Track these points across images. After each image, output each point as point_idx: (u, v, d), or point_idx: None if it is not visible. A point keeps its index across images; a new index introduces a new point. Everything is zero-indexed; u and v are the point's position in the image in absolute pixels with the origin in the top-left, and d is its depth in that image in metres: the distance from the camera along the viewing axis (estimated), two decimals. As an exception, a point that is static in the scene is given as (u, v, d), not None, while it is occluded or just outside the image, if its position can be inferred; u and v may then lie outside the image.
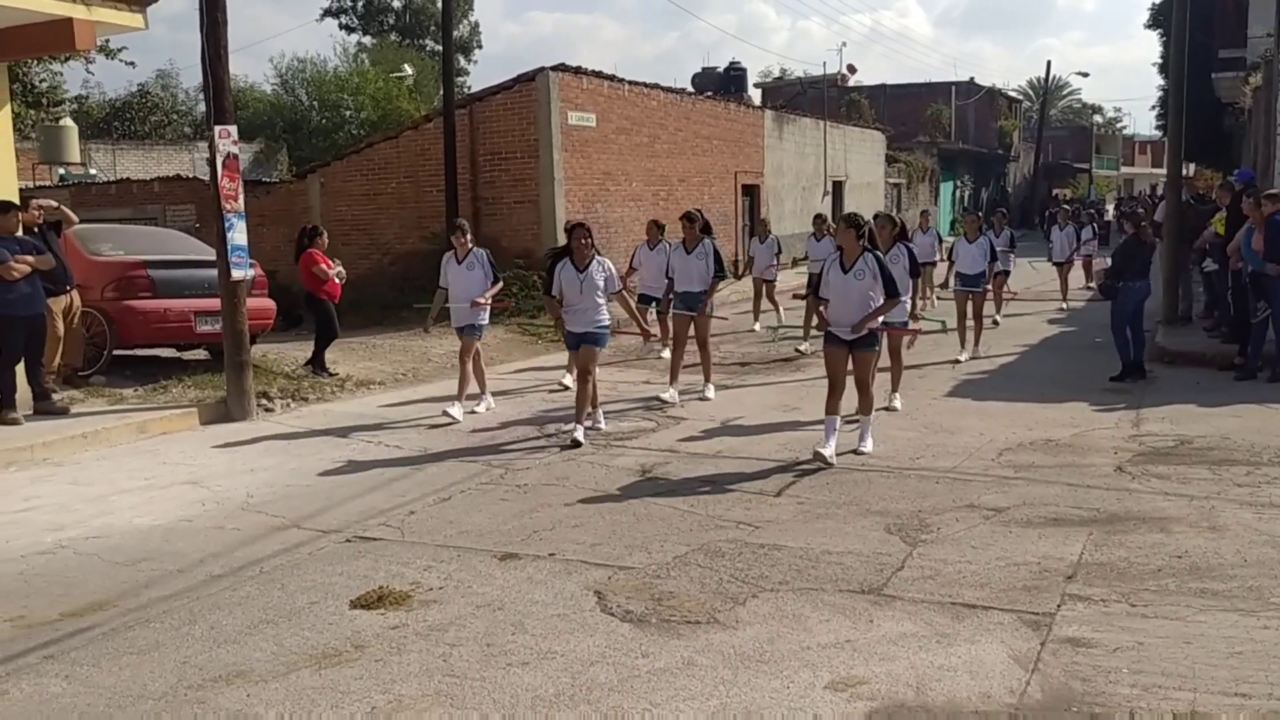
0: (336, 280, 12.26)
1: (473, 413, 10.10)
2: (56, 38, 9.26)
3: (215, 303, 10.66)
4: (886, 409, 9.64)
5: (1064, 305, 18.94)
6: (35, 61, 18.86)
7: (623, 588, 5.41)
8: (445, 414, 9.68)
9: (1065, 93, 77.18)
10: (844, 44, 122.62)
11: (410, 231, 19.02)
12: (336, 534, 6.47)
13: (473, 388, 10.17)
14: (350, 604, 5.28)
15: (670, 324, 11.41)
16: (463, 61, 46.34)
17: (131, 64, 21.34)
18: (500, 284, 10.57)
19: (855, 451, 8.09)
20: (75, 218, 11.21)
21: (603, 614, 5.08)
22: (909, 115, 46.87)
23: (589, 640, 4.76)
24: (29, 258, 9.47)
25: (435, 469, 8.13)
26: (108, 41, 13.37)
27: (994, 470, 7.65)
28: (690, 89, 28.33)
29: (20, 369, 9.53)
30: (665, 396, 10.35)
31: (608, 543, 6.16)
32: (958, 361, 12.78)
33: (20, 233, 9.65)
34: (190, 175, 23.63)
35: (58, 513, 7.05)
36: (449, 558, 5.98)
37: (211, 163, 10.18)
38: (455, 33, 21.82)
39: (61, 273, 10.26)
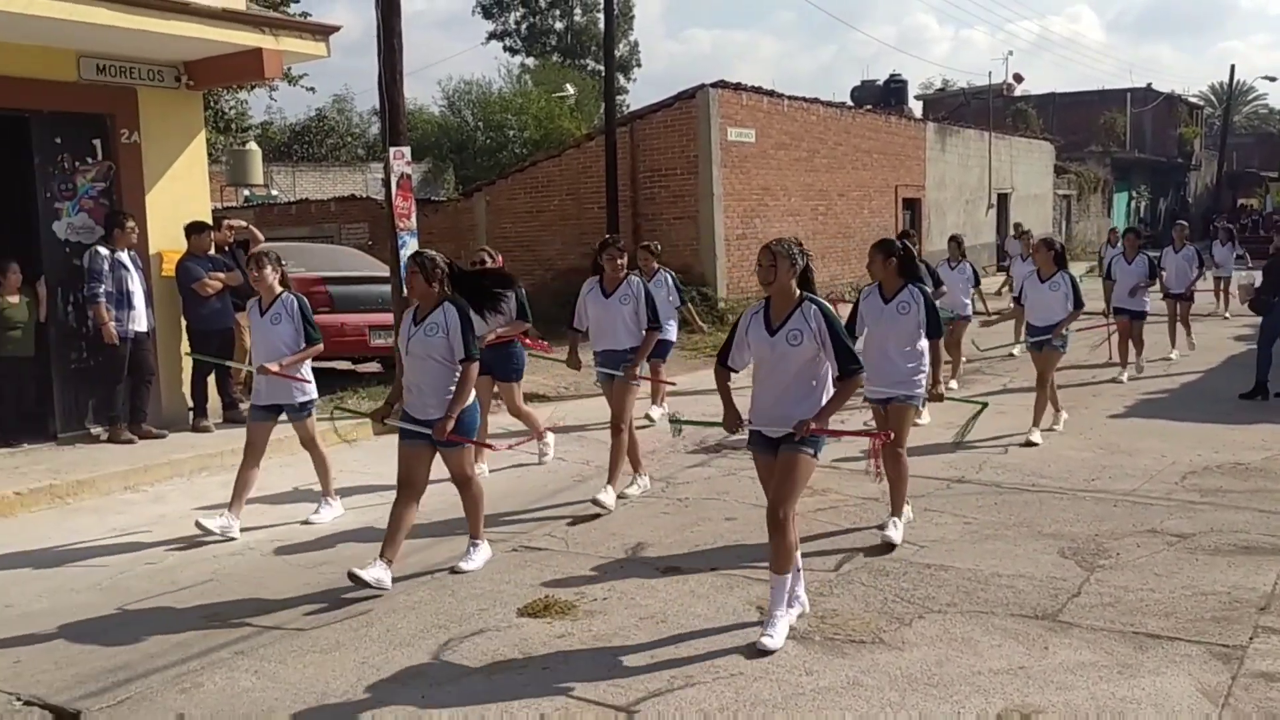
0: None
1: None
2: (247, 67, 9.82)
3: (388, 317, 11.10)
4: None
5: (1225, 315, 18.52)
6: (225, 90, 20.03)
7: (785, 604, 5.36)
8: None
9: (1251, 98, 73.01)
10: (1010, 52, 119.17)
11: (572, 248, 19.37)
12: (503, 544, 6.62)
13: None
14: (517, 612, 5.40)
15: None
16: (623, 80, 46.99)
17: (311, 90, 22.54)
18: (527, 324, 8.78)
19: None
20: (262, 236, 11.83)
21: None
22: (1080, 124, 45.22)
23: (753, 655, 4.74)
24: (221, 275, 10.06)
25: (598, 482, 8.22)
26: (290, 69, 14.09)
27: (1177, 494, 7.28)
28: (849, 102, 28.02)
29: (211, 379, 10.12)
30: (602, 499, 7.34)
31: (768, 558, 6.11)
32: (1118, 381, 12.17)
33: (212, 251, 10.26)
34: (364, 195, 24.73)
35: (245, 516, 7.44)
36: (612, 569, 6.05)
37: (386, 183, 10.61)
38: (616, 52, 22.16)
39: (248, 289, 10.83)
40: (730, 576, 5.82)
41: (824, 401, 4.93)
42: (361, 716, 4.29)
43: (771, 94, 19.94)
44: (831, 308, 5.06)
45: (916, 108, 37.09)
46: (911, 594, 5.45)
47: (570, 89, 36.07)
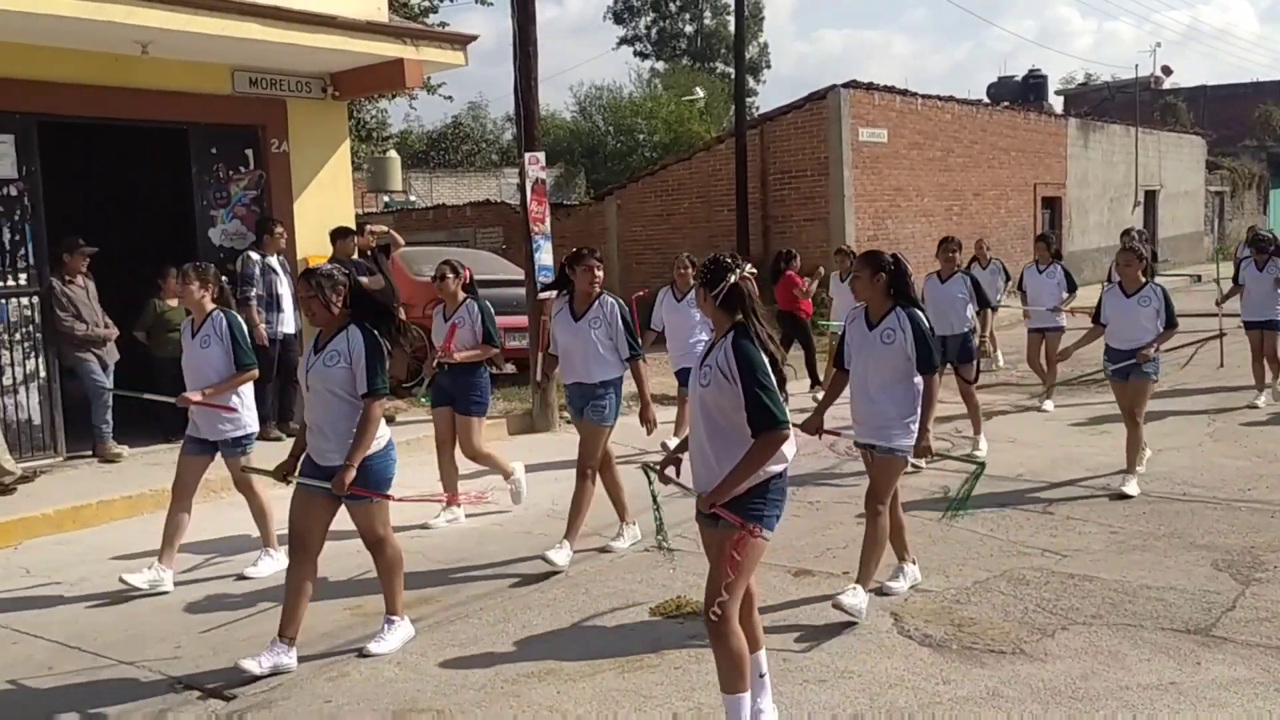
0: (809, 298, 12.71)
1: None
2: (389, 77, 10.16)
3: (523, 320, 11.31)
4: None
5: None
6: (367, 100, 20.70)
7: (920, 611, 5.28)
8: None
9: None
10: (1158, 44, 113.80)
11: (701, 250, 19.24)
12: (636, 544, 6.67)
13: None
14: (650, 611, 5.45)
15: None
16: (752, 82, 46.82)
17: (449, 98, 23.08)
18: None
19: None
20: (402, 241, 12.22)
21: (900, 636, 4.99)
22: (1233, 118, 43.12)
23: (886, 662, 4.69)
24: (363, 279, 10.40)
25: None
26: (429, 78, 14.50)
27: (1341, 506, 6.89)
28: (986, 100, 27.34)
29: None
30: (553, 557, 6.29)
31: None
32: (1254, 406, 10.43)
33: (355, 255, 10.62)
34: (498, 200, 25.22)
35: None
36: (743, 571, 6.03)
37: (521, 188, 10.82)
38: (746, 54, 22.12)
39: (390, 292, 11.19)
40: (864, 582, 5.75)
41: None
42: (499, 710, 4.39)
43: (904, 93, 19.61)
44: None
45: (1057, 103, 35.95)
46: (1054, 604, 5.29)
47: (700, 92, 36.09)
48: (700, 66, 45.88)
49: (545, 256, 10.74)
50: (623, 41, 49.32)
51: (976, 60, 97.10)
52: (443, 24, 20.36)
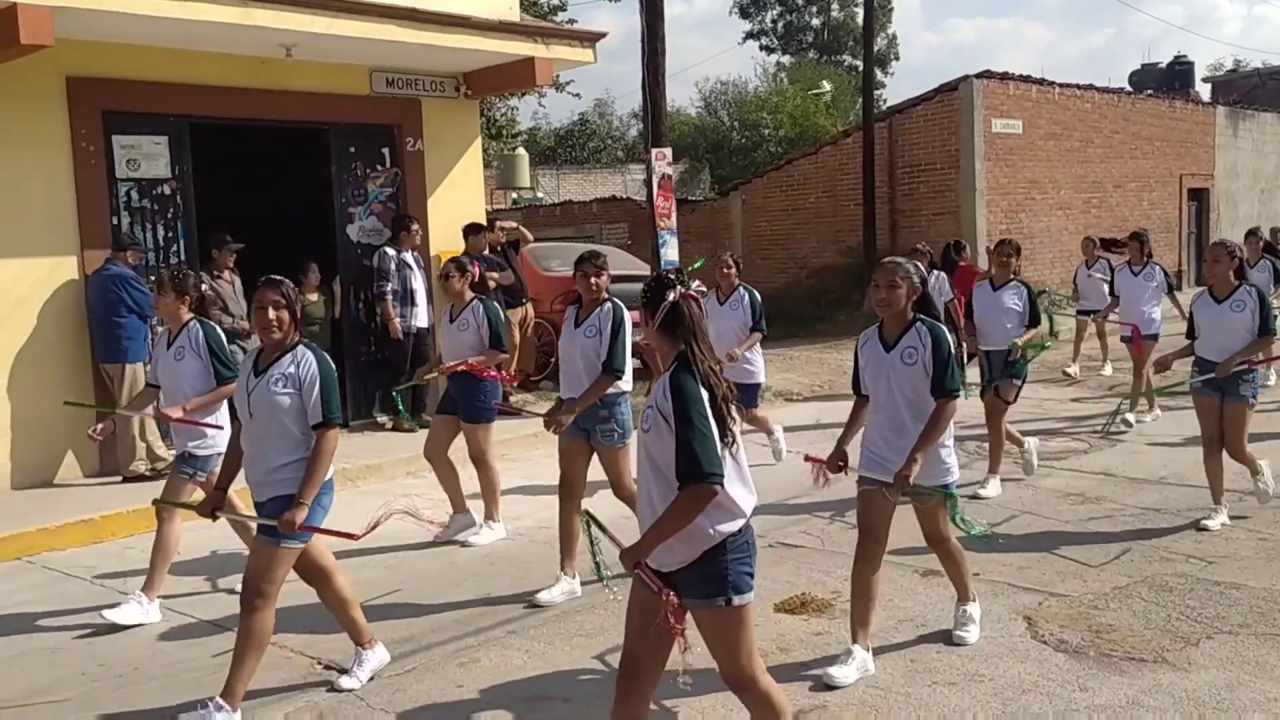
0: None
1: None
2: (520, 76, 10.34)
3: (648, 315, 11.36)
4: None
5: None
6: (497, 99, 21.09)
7: (1055, 615, 5.14)
8: None
9: None
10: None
11: (827, 246, 19.22)
12: (759, 539, 6.63)
13: None
14: (774, 608, 5.43)
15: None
16: (880, 75, 46.07)
17: (577, 95, 23.35)
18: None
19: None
20: (531, 237, 12.42)
21: (1034, 641, 4.86)
22: (1400, 103, 40.53)
23: (1019, 667, 4.58)
24: (494, 274, 10.63)
25: (852, 482, 8.13)
26: (558, 76, 14.68)
27: None
28: (1128, 88, 26.34)
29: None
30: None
31: (1037, 567, 5.88)
32: None
33: (486, 251, 10.85)
34: (623, 196, 25.42)
35: (514, 504, 7.83)
36: (870, 570, 5.96)
37: (648, 183, 10.90)
38: (874, 46, 21.79)
39: (519, 287, 11.41)
40: (994, 583, 5.63)
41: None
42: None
43: (1041, 82, 19.03)
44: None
45: (1204, 91, 34.39)
46: (1199, 612, 5.08)
47: (826, 86, 35.73)
48: (827, 60, 45.38)
49: (671, 252, 10.80)
50: (749, 36, 49.08)
51: (1117, 47, 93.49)
52: (571, 21, 20.62)
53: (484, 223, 11.02)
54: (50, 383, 8.20)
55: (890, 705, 4.27)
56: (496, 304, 7.18)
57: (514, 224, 12.21)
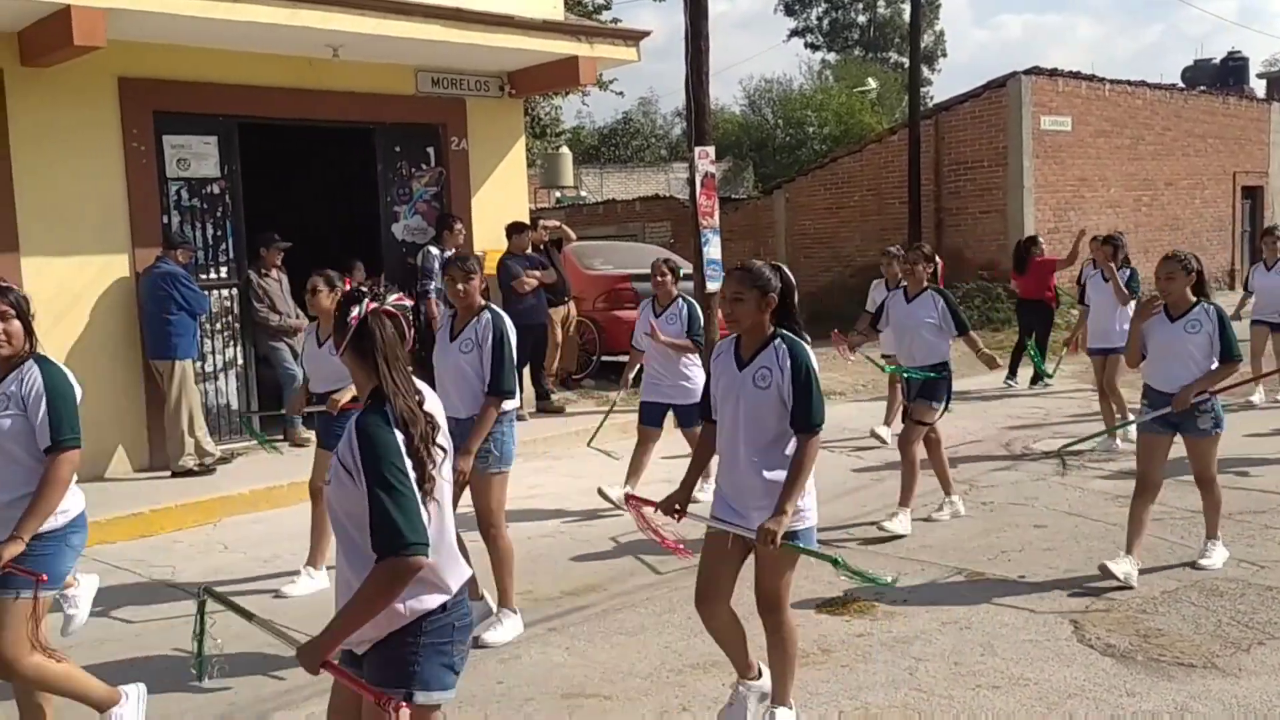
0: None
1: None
2: (564, 75, 10.36)
3: (690, 313, 11.34)
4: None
5: None
6: (541, 98, 21.16)
7: (1102, 619, 5.07)
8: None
9: None
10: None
11: (871, 244, 19.06)
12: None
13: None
14: (816, 608, 5.41)
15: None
16: (927, 72, 45.71)
17: (620, 94, 23.39)
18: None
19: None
20: (573, 236, 12.45)
21: (1080, 645, 4.80)
22: None
23: (1065, 671, 4.52)
24: (536, 273, 10.67)
25: (896, 482, 8.06)
26: (601, 75, 14.71)
27: None
28: (1180, 84, 25.92)
29: (526, 371, 10.75)
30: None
31: (1083, 569, 5.79)
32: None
33: (529, 250, 10.89)
34: (666, 194, 25.40)
35: (557, 500, 7.86)
36: (912, 571, 5.93)
37: (691, 181, 10.86)
38: (921, 43, 21.61)
39: (561, 285, 11.45)
40: (1040, 586, 5.56)
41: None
42: (665, 700, 4.44)
43: (1091, 78, 18.78)
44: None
45: (1259, 87, 33.74)
46: (1250, 618, 4.99)
47: (872, 83, 35.48)
48: (873, 57, 45.12)
49: (714, 250, 10.76)
50: (793, 33, 48.93)
51: (1169, 43, 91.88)
52: (615, 20, 20.63)
53: (527, 221, 11.05)
54: (102, 378, 8.33)
55: (933, 708, 4.23)
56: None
57: (557, 223, 12.25)
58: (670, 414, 7.51)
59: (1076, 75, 18.53)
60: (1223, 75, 31.33)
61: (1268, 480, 7.56)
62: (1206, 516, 5.90)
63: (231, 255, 9.40)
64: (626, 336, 12.49)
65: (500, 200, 10.87)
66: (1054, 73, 17.99)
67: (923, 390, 6.76)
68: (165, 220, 8.91)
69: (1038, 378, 12.11)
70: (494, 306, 5.30)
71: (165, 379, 8.52)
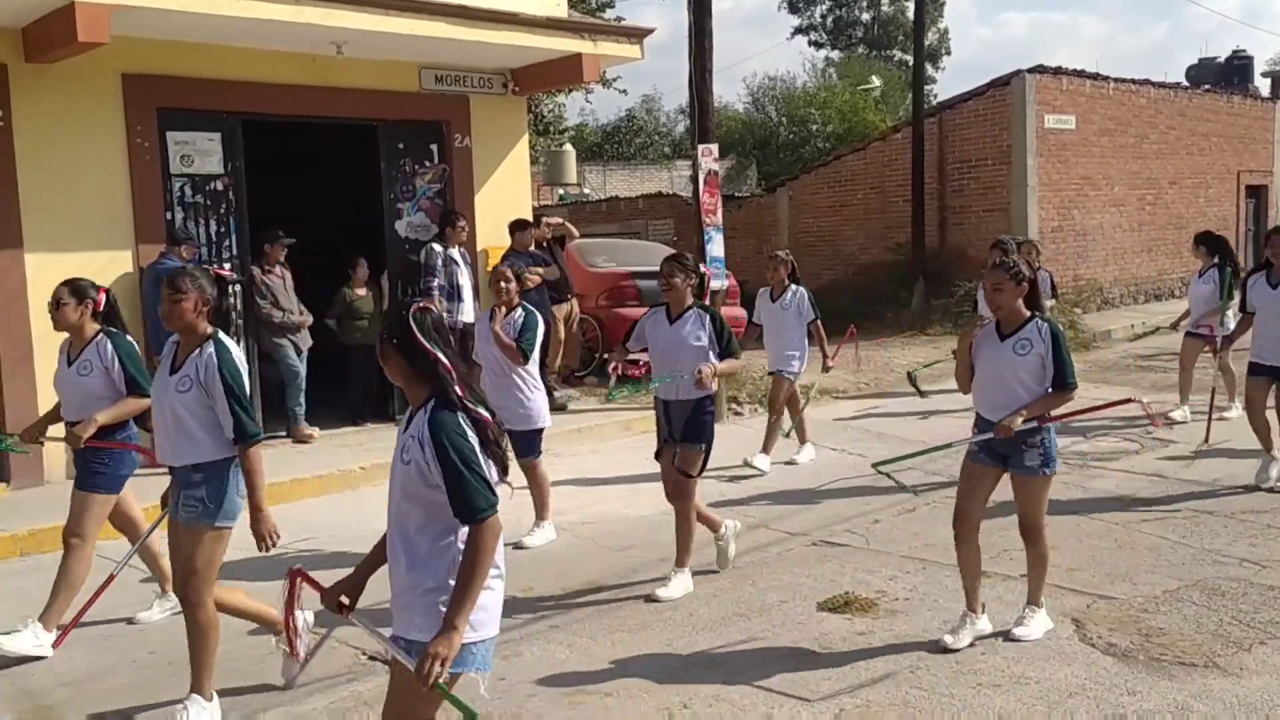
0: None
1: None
2: (567, 72, 10.36)
3: (693, 311, 11.34)
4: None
5: None
6: (544, 95, 21.15)
7: (1104, 618, 5.07)
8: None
9: None
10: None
11: (874, 242, 19.08)
12: (803, 537, 6.64)
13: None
14: (817, 606, 5.41)
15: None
16: (931, 70, 45.64)
17: (624, 92, 23.27)
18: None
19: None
20: (576, 233, 12.45)
21: (1081, 644, 4.80)
22: None
23: (1066, 670, 4.52)
24: (539, 270, 10.67)
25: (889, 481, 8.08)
26: (604, 72, 14.70)
27: None
28: (1184, 83, 25.88)
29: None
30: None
31: (1086, 569, 5.80)
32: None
33: (532, 247, 10.89)
34: (670, 192, 25.38)
35: (559, 499, 7.84)
36: (914, 569, 5.94)
37: (694, 179, 10.87)
38: (925, 41, 21.60)
39: (564, 283, 11.45)
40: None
41: None
42: (666, 697, 4.44)
43: (1095, 77, 18.75)
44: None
45: (1264, 85, 33.68)
46: (1252, 617, 4.99)
47: (876, 81, 35.40)
48: (877, 55, 45.03)
49: (716, 248, 10.76)
50: (797, 31, 48.83)
51: (1174, 41, 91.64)
52: (619, 18, 20.62)
53: (530, 219, 11.05)
54: (105, 375, 8.33)
55: (934, 706, 4.24)
56: (130, 338, 5.38)
57: (560, 220, 12.24)
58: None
59: (1081, 74, 18.50)
60: (1227, 74, 31.19)
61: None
62: (1030, 576, 4.98)
63: (234, 251, 9.40)
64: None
65: (503, 197, 10.87)
66: (1058, 71, 17.96)
67: (692, 431, 5.69)
68: (169, 216, 8.92)
69: None
70: (221, 335, 4.46)
71: (168, 375, 8.52)
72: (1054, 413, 4.85)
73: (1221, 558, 5.88)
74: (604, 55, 10.21)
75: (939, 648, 4.76)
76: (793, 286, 8.72)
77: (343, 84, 9.67)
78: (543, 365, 10.87)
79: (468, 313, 10.29)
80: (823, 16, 48.47)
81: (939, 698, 4.31)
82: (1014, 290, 4.83)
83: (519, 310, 6.69)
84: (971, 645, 4.78)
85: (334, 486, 8.29)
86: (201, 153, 9.14)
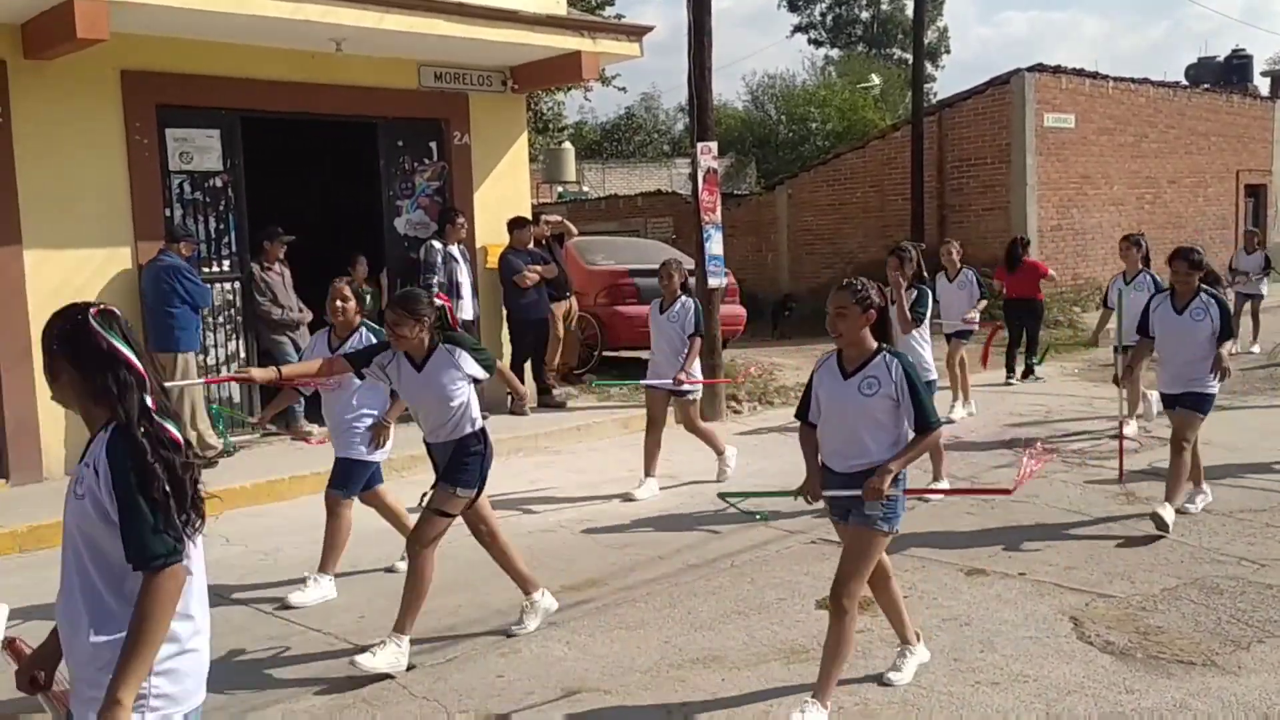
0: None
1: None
2: (566, 70, 10.35)
3: (692, 309, 11.34)
4: None
5: None
6: (543, 93, 21.16)
7: (1102, 617, 5.08)
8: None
9: None
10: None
11: (873, 240, 19.06)
12: (801, 535, 6.64)
13: None
14: (816, 604, 5.41)
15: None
16: (930, 68, 45.61)
17: (623, 90, 23.26)
18: None
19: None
20: (575, 231, 12.46)
21: (1079, 642, 4.80)
22: None
23: (1065, 668, 4.52)
24: (538, 268, 10.67)
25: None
26: (604, 70, 14.69)
27: None
28: (1184, 82, 25.88)
29: (527, 366, 10.75)
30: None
31: (1084, 567, 5.80)
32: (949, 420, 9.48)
33: (531, 245, 10.88)
34: (669, 190, 25.37)
35: (557, 495, 7.87)
36: (913, 567, 5.93)
37: (693, 177, 10.86)
38: (924, 39, 21.58)
39: (563, 281, 11.45)
40: (1040, 584, 5.56)
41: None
42: (664, 694, 4.44)
43: (1094, 76, 18.77)
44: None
45: (1263, 85, 33.68)
46: (1250, 616, 4.99)
47: (875, 79, 35.41)
48: (876, 53, 45.02)
49: (715, 246, 10.76)
50: (797, 29, 48.80)
51: (1174, 40, 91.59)
52: (619, 16, 20.62)
53: (529, 216, 11.05)
54: (104, 372, 8.32)
55: (932, 705, 4.24)
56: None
57: (559, 218, 12.26)
58: None
59: (1080, 72, 18.52)
60: (1226, 73, 31.19)
61: (1268, 478, 7.55)
62: (822, 661, 4.20)
63: (234, 249, 9.40)
64: (628, 332, 12.54)
65: (502, 195, 10.87)
66: (1058, 70, 17.98)
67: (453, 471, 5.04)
68: (168, 213, 8.92)
69: (1029, 372, 12.33)
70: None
71: (168, 372, 8.52)
72: (906, 488, 4.28)
73: (1220, 556, 5.88)
74: (603, 53, 10.21)
75: (884, 683, 4.41)
76: (683, 298, 7.82)
77: (342, 81, 9.66)
78: (541, 363, 10.95)
79: (467, 310, 10.29)
80: (822, 14, 48.44)
81: (937, 696, 4.31)
82: (859, 318, 4.13)
83: (361, 332, 5.89)
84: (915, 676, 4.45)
85: (332, 484, 8.28)
86: (201, 149, 9.14)
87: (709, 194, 10.71)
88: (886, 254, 8.22)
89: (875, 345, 4.20)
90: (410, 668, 4.76)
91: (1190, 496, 6.73)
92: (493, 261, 10.73)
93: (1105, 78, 18.96)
